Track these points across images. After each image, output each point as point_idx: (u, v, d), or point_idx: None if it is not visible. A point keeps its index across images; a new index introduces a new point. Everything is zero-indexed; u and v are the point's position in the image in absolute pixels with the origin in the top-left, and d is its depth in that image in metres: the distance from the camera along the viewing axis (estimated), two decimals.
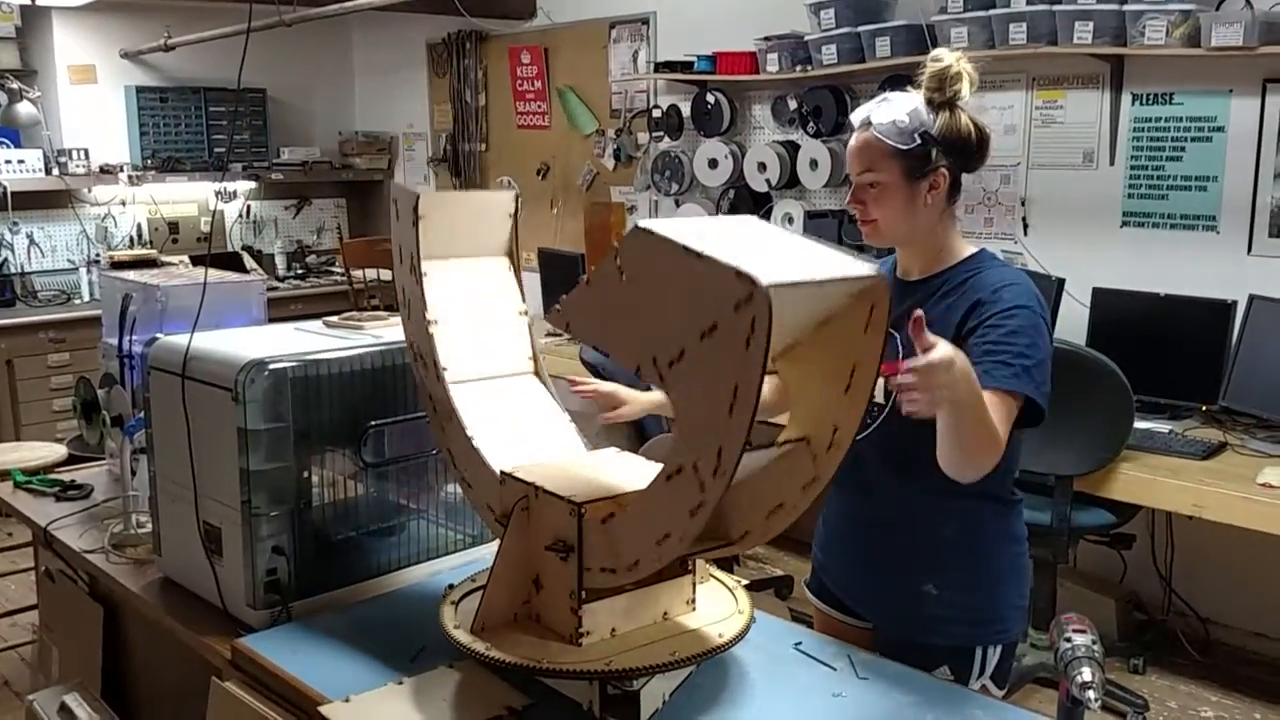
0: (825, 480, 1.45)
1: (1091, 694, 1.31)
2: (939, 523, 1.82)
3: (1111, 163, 3.82)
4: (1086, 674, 1.31)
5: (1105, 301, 3.60)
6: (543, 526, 1.59)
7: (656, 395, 2.03)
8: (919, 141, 1.74)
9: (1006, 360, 1.68)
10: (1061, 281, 3.67)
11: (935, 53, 1.77)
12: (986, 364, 1.68)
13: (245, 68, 1.98)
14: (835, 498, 1.98)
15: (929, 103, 1.75)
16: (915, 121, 1.73)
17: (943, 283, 1.81)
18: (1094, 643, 1.35)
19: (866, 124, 1.77)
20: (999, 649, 1.84)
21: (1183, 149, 3.67)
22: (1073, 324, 3.63)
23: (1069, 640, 1.36)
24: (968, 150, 1.78)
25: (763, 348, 1.24)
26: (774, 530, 1.48)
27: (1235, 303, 3.38)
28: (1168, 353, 3.43)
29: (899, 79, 4.22)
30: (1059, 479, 3.12)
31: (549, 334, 5.15)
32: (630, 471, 1.67)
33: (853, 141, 1.80)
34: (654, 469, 1.52)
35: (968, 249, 1.84)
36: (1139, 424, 3.21)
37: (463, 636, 1.61)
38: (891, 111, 1.75)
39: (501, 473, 1.67)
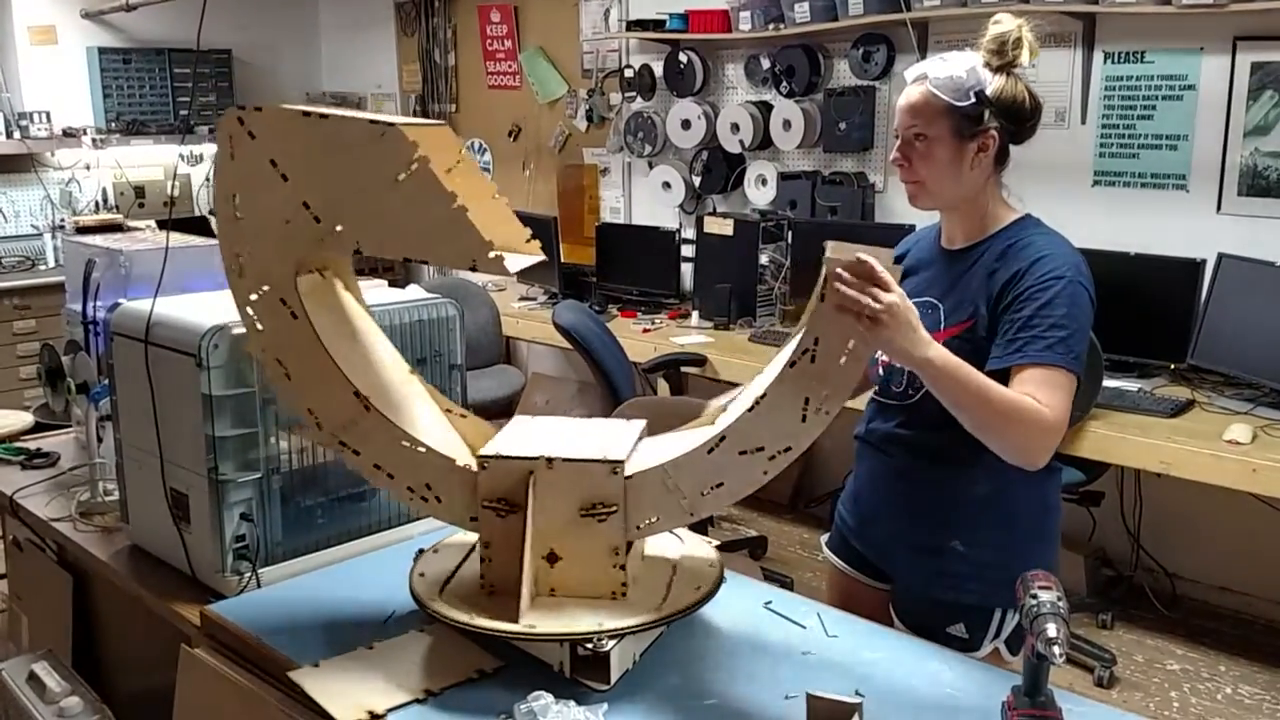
0: None
1: (1056, 649, 1.32)
2: (970, 480, 1.79)
3: (1083, 121, 3.82)
4: (1051, 630, 1.33)
5: None
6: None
7: None
8: (973, 100, 1.72)
9: (1040, 333, 1.67)
10: None
11: (996, 16, 1.76)
12: (1021, 340, 1.67)
13: (211, 28, 1.95)
14: (866, 453, 1.96)
15: (986, 65, 1.74)
16: (972, 79, 1.72)
17: (985, 251, 1.79)
18: (1059, 599, 1.37)
19: (922, 78, 1.76)
20: (1018, 615, 1.83)
21: (1154, 108, 3.67)
22: None
23: (1035, 596, 1.37)
24: (1021, 116, 1.76)
25: None
26: None
27: (1204, 261, 3.40)
28: (1137, 311, 3.45)
29: (873, 37, 4.22)
30: None
31: (522, 298, 5.14)
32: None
33: (904, 97, 1.78)
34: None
35: (1011, 215, 1.82)
36: (1108, 382, 3.24)
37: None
38: (949, 68, 1.73)
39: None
